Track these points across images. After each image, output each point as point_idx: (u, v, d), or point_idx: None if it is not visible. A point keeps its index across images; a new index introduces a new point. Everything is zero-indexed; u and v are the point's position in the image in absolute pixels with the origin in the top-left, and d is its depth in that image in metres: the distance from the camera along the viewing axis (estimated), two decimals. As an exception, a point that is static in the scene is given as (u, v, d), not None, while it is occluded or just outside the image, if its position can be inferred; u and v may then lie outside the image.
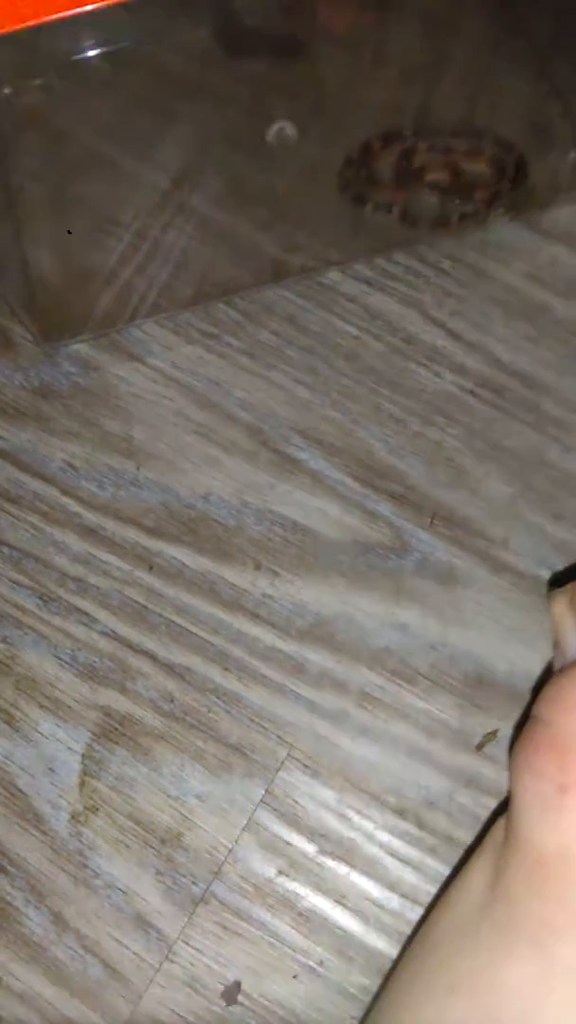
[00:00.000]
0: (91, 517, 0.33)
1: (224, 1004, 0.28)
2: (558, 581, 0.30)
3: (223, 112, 0.40)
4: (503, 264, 0.36)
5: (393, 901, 0.29)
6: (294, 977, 0.29)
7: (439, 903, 0.25)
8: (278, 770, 0.30)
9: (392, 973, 0.26)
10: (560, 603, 0.24)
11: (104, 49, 0.40)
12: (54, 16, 0.22)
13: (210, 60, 0.41)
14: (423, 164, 0.37)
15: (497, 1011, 0.21)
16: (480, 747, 0.30)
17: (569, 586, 0.24)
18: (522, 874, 0.22)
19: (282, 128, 0.38)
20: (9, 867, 0.30)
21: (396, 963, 0.27)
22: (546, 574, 0.32)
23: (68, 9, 0.22)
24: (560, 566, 0.32)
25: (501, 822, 0.24)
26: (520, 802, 0.22)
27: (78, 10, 0.22)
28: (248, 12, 0.41)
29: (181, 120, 0.39)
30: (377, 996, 0.26)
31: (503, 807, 0.25)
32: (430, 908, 0.27)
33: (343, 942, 0.29)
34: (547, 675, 0.29)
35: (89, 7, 0.23)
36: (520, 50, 0.40)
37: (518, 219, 0.37)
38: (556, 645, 0.25)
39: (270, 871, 0.30)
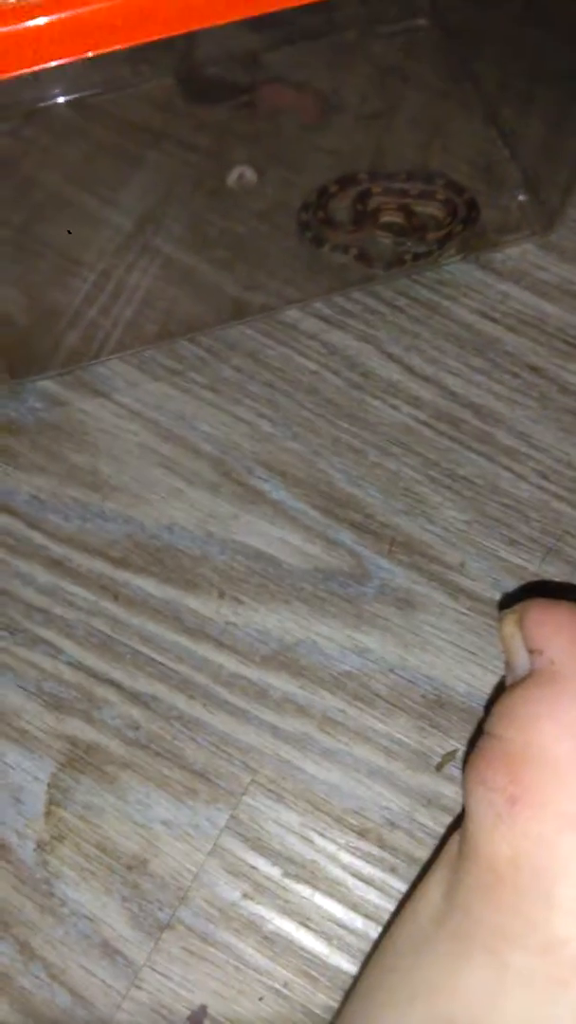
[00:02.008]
0: (57, 549, 0.34)
1: (190, 1029, 0.29)
2: (508, 603, 0.31)
3: (185, 157, 0.41)
4: (456, 301, 0.38)
5: (357, 921, 0.29)
6: (260, 999, 0.29)
7: (398, 917, 0.25)
8: (242, 795, 0.31)
9: (353, 987, 0.26)
10: (509, 623, 0.25)
11: (70, 97, 0.41)
12: (19, 72, 0.23)
13: (172, 108, 0.43)
14: (378, 206, 0.39)
15: (452, 1017, 0.21)
16: (440, 767, 0.31)
17: (518, 606, 0.25)
18: (476, 884, 0.22)
19: (242, 173, 0.40)
20: (-25, 898, 0.30)
21: (357, 977, 0.27)
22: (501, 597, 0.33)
23: (35, 64, 0.23)
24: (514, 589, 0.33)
25: (456, 836, 0.24)
26: (473, 814, 0.23)
27: (44, 66, 0.24)
28: (209, 62, 0.43)
29: (144, 165, 0.41)
30: (339, 1011, 0.27)
31: (459, 822, 0.26)
32: (390, 922, 0.28)
33: (308, 963, 0.29)
34: (499, 692, 0.30)
35: (54, 63, 0.24)
36: (469, 95, 0.42)
37: (470, 258, 0.38)
38: (507, 664, 0.25)
39: (235, 895, 0.30)
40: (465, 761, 0.28)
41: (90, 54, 0.24)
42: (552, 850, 0.21)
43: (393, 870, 0.30)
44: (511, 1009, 0.21)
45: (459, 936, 0.22)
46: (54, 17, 0.23)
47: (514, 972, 0.21)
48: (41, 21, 0.23)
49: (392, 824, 0.30)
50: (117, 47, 0.25)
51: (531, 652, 0.24)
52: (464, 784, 0.24)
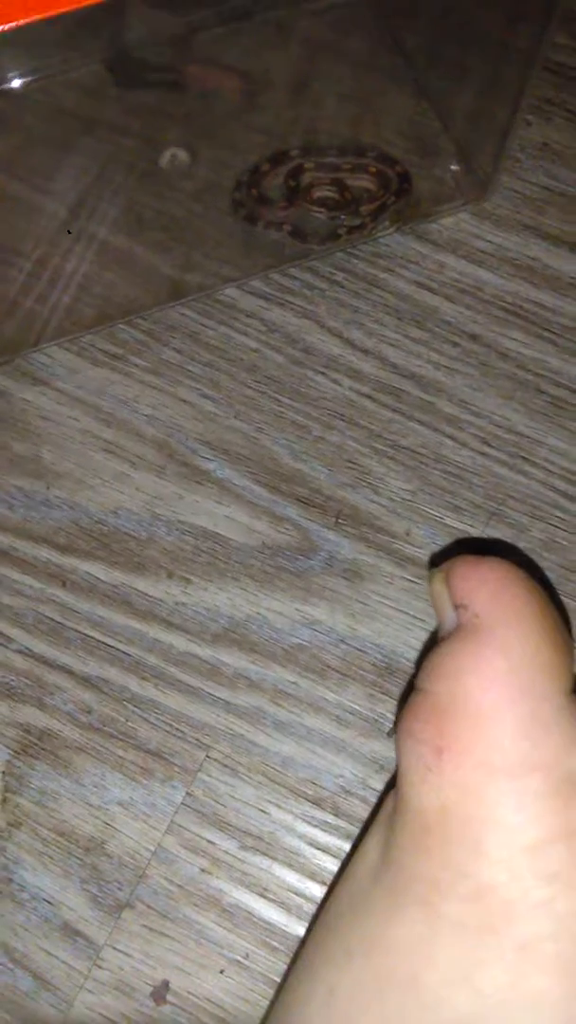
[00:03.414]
0: (2, 539, 0.34)
1: (154, 1004, 0.29)
2: (438, 561, 0.31)
3: (117, 141, 0.41)
4: (393, 273, 0.38)
5: (314, 889, 0.30)
6: (221, 972, 0.29)
7: (340, 878, 0.26)
8: (198, 772, 0.31)
9: (297, 952, 0.26)
10: (437, 581, 0.25)
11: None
12: None
13: (102, 93, 0.42)
14: (310, 182, 0.38)
15: (390, 969, 0.22)
16: (391, 733, 0.31)
17: (444, 565, 0.25)
18: (408, 837, 0.23)
19: (174, 154, 0.40)
20: None
21: (301, 943, 0.28)
22: (446, 564, 0.33)
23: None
24: (457, 555, 0.33)
25: (392, 794, 0.25)
26: (404, 768, 0.23)
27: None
28: (138, 46, 0.43)
29: (77, 151, 0.41)
30: (285, 977, 0.27)
31: (393, 784, 0.26)
32: (333, 884, 0.28)
33: (267, 933, 0.29)
34: (427, 650, 0.30)
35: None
36: (399, 68, 0.42)
37: (405, 229, 0.38)
38: (437, 620, 0.26)
39: (193, 871, 0.30)
40: (395, 718, 0.28)
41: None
42: (478, 798, 0.22)
43: (349, 837, 0.30)
44: (444, 957, 0.21)
45: (394, 890, 0.22)
46: None
47: (446, 921, 0.21)
48: None
49: (347, 792, 0.31)
50: (39, 17, 0.25)
51: (457, 608, 0.24)
52: (395, 739, 0.24)
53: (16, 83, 0.41)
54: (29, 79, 0.42)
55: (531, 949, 0.21)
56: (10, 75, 0.41)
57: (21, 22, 0.24)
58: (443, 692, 0.23)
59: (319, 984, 0.23)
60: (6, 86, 0.41)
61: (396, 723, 0.25)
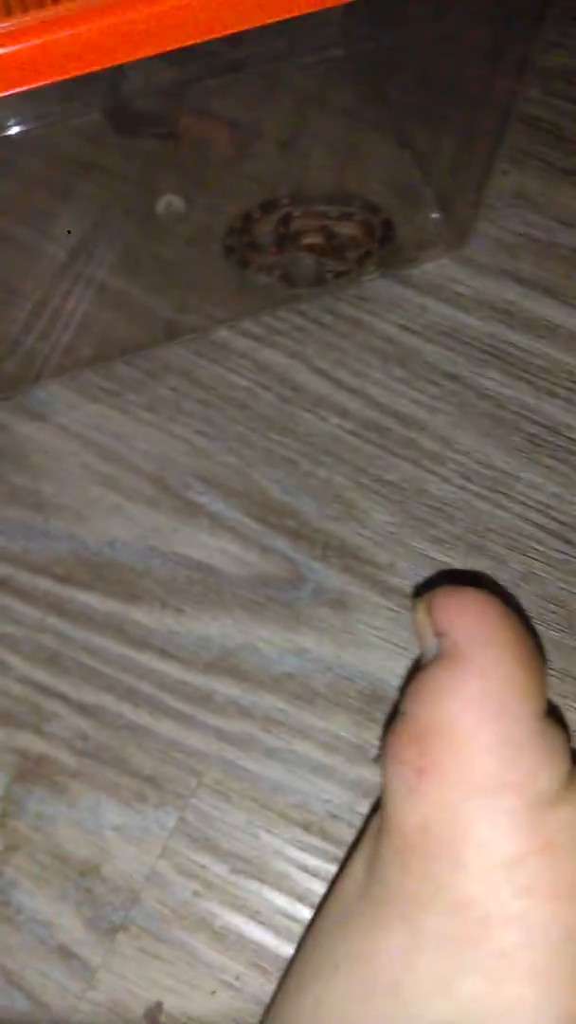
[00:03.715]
0: (2, 569, 0.35)
1: (146, 1025, 0.30)
2: (420, 592, 0.33)
3: (115, 187, 0.43)
4: (377, 316, 0.40)
5: (303, 911, 0.31)
6: (213, 993, 0.30)
7: (328, 895, 0.27)
8: (190, 797, 0.32)
9: (287, 967, 0.27)
10: (420, 610, 0.26)
11: (0, 133, 0.43)
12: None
13: (101, 140, 0.44)
14: (299, 229, 0.40)
15: (372, 981, 0.23)
16: (376, 759, 0.32)
17: (427, 595, 0.26)
18: (392, 855, 0.24)
19: (170, 201, 0.41)
20: None
21: (291, 959, 0.28)
22: (429, 595, 0.34)
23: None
24: (440, 586, 0.35)
25: (378, 815, 0.26)
26: (388, 789, 0.25)
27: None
28: (135, 96, 0.45)
29: (76, 196, 0.42)
30: (276, 992, 0.28)
31: (379, 805, 0.27)
32: (321, 904, 0.29)
33: (258, 955, 0.30)
34: (411, 676, 0.31)
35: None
36: (383, 120, 0.44)
37: (388, 274, 0.40)
38: (420, 648, 0.27)
39: (186, 894, 0.31)
40: (380, 741, 0.30)
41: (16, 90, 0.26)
42: (456, 816, 0.23)
43: (336, 860, 0.31)
44: (424, 968, 0.22)
45: (379, 905, 0.24)
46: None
47: (427, 934, 0.22)
48: None
49: (334, 816, 0.32)
50: (41, 83, 0.26)
51: (438, 635, 0.25)
52: (380, 762, 0.25)
53: (16, 130, 0.43)
54: (30, 126, 0.43)
55: (507, 958, 0.22)
56: (10, 122, 0.43)
57: (32, 86, 0.25)
58: (424, 715, 0.24)
59: (307, 996, 0.24)
60: (6, 133, 0.43)
61: (381, 747, 0.26)
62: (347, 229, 0.40)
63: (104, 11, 0.24)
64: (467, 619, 0.25)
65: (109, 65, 0.26)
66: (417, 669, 0.27)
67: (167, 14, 0.24)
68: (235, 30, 0.26)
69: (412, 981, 0.22)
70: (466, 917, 0.22)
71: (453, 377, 0.38)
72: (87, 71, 0.26)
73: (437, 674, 0.24)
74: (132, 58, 0.26)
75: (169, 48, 0.26)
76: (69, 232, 0.40)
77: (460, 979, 0.22)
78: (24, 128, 0.43)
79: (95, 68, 0.26)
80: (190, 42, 0.26)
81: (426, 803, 0.23)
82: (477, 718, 0.23)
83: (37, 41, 0.25)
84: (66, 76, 0.26)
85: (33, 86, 0.26)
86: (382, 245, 0.40)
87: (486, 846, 0.23)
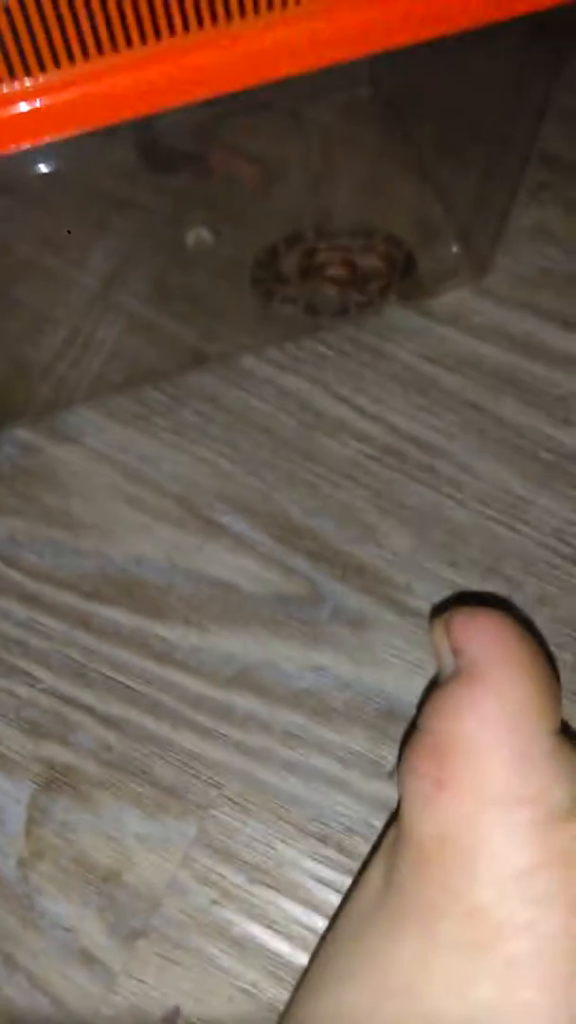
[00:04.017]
0: (32, 585, 0.37)
1: (165, 1030, 0.30)
2: (438, 612, 0.34)
3: (147, 221, 0.45)
4: (397, 345, 0.41)
5: (318, 922, 0.31)
6: (230, 999, 0.31)
7: (344, 902, 0.27)
8: (210, 808, 0.33)
9: (305, 972, 0.28)
10: (438, 629, 0.27)
11: (39, 171, 0.45)
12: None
13: (134, 176, 0.46)
14: (323, 261, 0.42)
15: (387, 986, 0.23)
16: (392, 775, 0.33)
17: (445, 614, 0.27)
18: (409, 864, 0.25)
19: (199, 233, 0.43)
20: (-40, 914, 0.32)
21: (309, 963, 0.29)
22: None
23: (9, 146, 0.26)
24: (455, 607, 0.35)
25: (394, 826, 0.27)
26: (406, 801, 0.25)
27: (16, 148, 0.27)
28: (166, 133, 0.47)
29: (109, 229, 0.44)
30: (293, 995, 0.29)
31: (395, 816, 0.28)
32: (338, 911, 0.30)
33: (274, 964, 0.31)
34: (429, 693, 0.32)
35: (27, 145, 0.27)
36: (406, 156, 0.46)
37: (409, 305, 0.42)
38: (437, 666, 0.28)
39: (205, 902, 0.32)
40: (398, 756, 0.30)
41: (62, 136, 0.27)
42: (473, 828, 0.24)
43: (351, 872, 0.32)
44: (439, 972, 0.23)
45: (395, 912, 0.24)
46: (33, 105, 0.26)
47: (442, 940, 0.23)
48: (23, 108, 0.26)
49: (350, 830, 0.33)
50: (84, 130, 0.28)
51: (456, 654, 0.26)
52: (398, 775, 0.26)
53: (52, 166, 0.45)
54: (64, 163, 0.45)
55: (517, 965, 0.23)
56: (46, 159, 0.45)
57: (70, 133, 0.27)
58: (443, 730, 0.25)
59: (324, 999, 0.24)
60: (42, 170, 0.45)
61: (398, 761, 0.27)
62: (370, 261, 0.42)
63: (141, 64, 0.25)
64: (484, 638, 0.26)
65: (144, 114, 0.28)
66: (434, 686, 0.28)
67: (201, 67, 0.26)
68: (264, 81, 0.27)
69: (426, 984, 0.23)
70: (479, 924, 0.23)
71: (472, 405, 0.39)
72: (122, 120, 0.28)
73: (455, 691, 0.25)
74: (166, 108, 0.28)
75: (202, 98, 0.28)
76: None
77: (473, 984, 0.23)
78: (59, 164, 0.45)
79: (130, 117, 0.28)
80: (220, 93, 0.28)
81: (444, 814, 0.24)
82: (494, 734, 0.24)
83: (77, 93, 0.26)
84: (110, 123, 0.28)
85: (72, 134, 0.28)
86: (404, 277, 0.41)
87: (500, 857, 0.23)
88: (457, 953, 0.23)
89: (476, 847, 0.24)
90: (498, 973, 0.23)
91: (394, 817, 0.31)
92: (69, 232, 0.43)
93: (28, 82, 0.25)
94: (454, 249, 0.43)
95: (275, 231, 0.43)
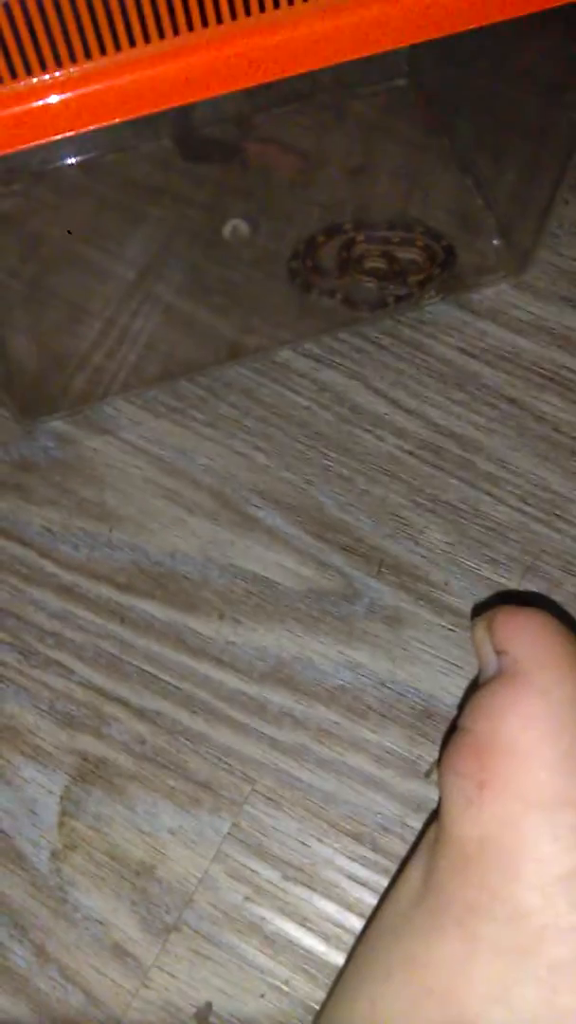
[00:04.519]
0: (67, 577, 0.36)
1: (197, 1025, 0.30)
2: (479, 611, 0.33)
3: (183, 212, 0.44)
4: (436, 339, 0.40)
5: (352, 921, 0.31)
6: (262, 996, 0.30)
7: (382, 901, 0.27)
8: (243, 804, 0.33)
9: (342, 969, 0.28)
10: (480, 629, 0.27)
11: (76, 159, 0.45)
12: (34, 143, 0.26)
13: (171, 166, 0.46)
14: (362, 254, 0.41)
15: (429, 984, 0.23)
16: (428, 774, 0.33)
17: (487, 613, 0.27)
18: (449, 864, 0.24)
19: (236, 225, 0.43)
20: (-6, 904, 0.32)
21: (346, 961, 0.29)
22: (483, 614, 0.35)
23: (47, 136, 0.26)
24: (493, 605, 0.35)
25: (434, 825, 0.26)
26: (447, 801, 0.25)
27: (59, 136, 0.26)
28: (203, 124, 0.47)
29: (146, 219, 0.44)
30: (330, 992, 0.28)
31: (435, 816, 0.28)
32: (376, 910, 0.30)
33: (307, 961, 0.31)
34: (471, 691, 0.32)
35: (71, 132, 0.27)
36: (446, 149, 0.45)
37: (449, 299, 0.41)
38: (479, 665, 0.28)
39: (238, 898, 0.32)
40: (439, 755, 0.30)
41: (94, 127, 0.27)
42: (516, 830, 0.23)
43: (386, 872, 0.32)
44: (481, 976, 0.23)
45: (434, 912, 0.24)
46: (65, 96, 0.26)
47: (483, 942, 0.23)
48: (53, 99, 0.26)
49: (384, 829, 0.32)
50: (120, 119, 0.28)
51: (498, 653, 0.26)
52: (439, 774, 0.26)
53: (89, 156, 0.45)
54: (105, 152, 0.45)
55: (561, 970, 0.22)
56: (84, 149, 0.45)
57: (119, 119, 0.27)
58: (485, 731, 0.25)
59: (362, 998, 0.24)
60: (83, 158, 0.45)
61: (439, 761, 0.26)
62: (409, 254, 0.41)
63: (180, 54, 0.25)
64: (528, 638, 0.25)
65: (185, 103, 0.27)
66: (474, 686, 0.28)
67: (237, 56, 0.25)
68: (304, 70, 0.27)
69: (467, 988, 0.23)
70: (522, 928, 0.23)
71: (511, 400, 0.39)
72: (157, 110, 0.27)
73: (498, 691, 0.25)
74: (203, 98, 0.28)
75: (236, 88, 0.28)
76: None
77: (515, 988, 0.22)
78: (96, 155, 0.45)
79: (164, 107, 0.27)
80: (260, 82, 0.28)
81: (486, 816, 0.24)
82: (538, 735, 0.24)
83: (118, 82, 0.26)
84: (141, 114, 0.27)
85: (113, 122, 0.27)
86: (443, 270, 0.41)
87: (545, 860, 0.23)
88: (499, 957, 0.23)
89: (519, 849, 0.23)
90: (541, 977, 0.22)
91: (433, 816, 0.31)
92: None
93: (65, 72, 0.25)
94: (495, 242, 0.42)
95: (313, 223, 0.42)
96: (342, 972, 0.28)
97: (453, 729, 0.27)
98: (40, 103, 0.25)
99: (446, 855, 0.24)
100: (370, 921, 0.28)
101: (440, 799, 0.26)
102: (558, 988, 0.22)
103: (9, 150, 0.26)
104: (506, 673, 0.25)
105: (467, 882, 0.24)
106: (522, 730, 0.24)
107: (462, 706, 0.32)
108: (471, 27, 0.27)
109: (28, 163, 0.44)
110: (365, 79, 0.47)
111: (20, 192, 0.45)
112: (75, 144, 0.44)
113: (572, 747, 0.24)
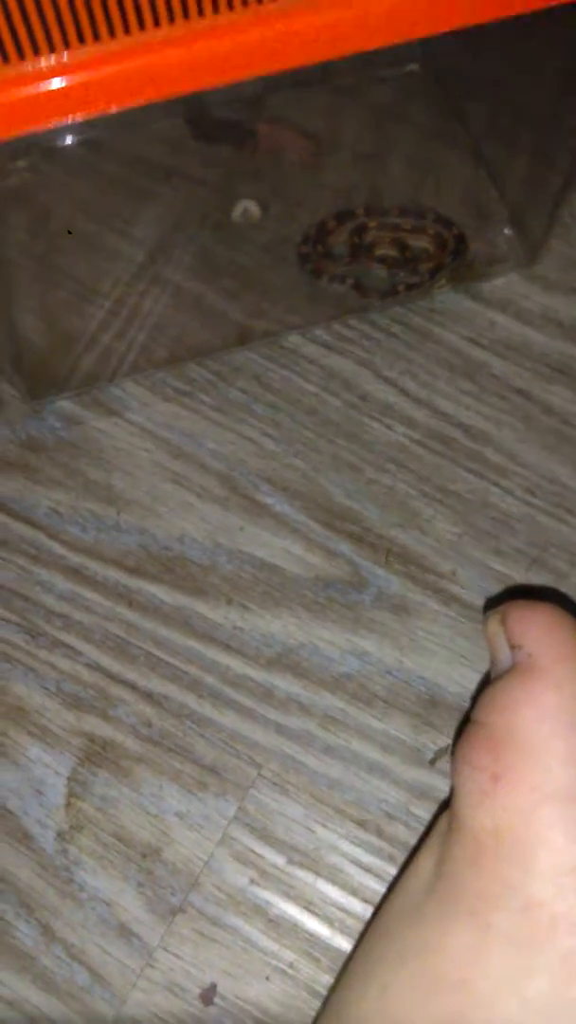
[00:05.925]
0: (75, 558, 0.36)
1: (202, 1005, 0.31)
2: (492, 605, 0.33)
3: (193, 192, 0.44)
4: (446, 328, 0.40)
5: (356, 905, 0.32)
6: (266, 979, 0.31)
7: (393, 889, 0.27)
8: (249, 788, 0.33)
9: (351, 955, 0.28)
10: (493, 622, 0.27)
11: (86, 136, 0.44)
12: (37, 127, 0.26)
13: (181, 146, 0.45)
14: (373, 240, 0.41)
15: (441, 972, 0.23)
16: (433, 762, 0.33)
17: (500, 607, 0.27)
18: (462, 854, 0.25)
19: (247, 207, 0.42)
20: (0, 883, 0.32)
21: (355, 947, 0.29)
22: (489, 604, 0.35)
23: (52, 120, 0.26)
24: (500, 596, 0.35)
25: (445, 815, 0.27)
26: (460, 792, 0.25)
27: (68, 120, 0.26)
28: (215, 104, 0.46)
29: (155, 199, 0.44)
30: (338, 978, 0.29)
31: (446, 807, 0.28)
32: (385, 897, 0.30)
33: (311, 945, 0.31)
34: (484, 686, 0.32)
35: (80, 117, 0.26)
36: (459, 136, 0.45)
37: (459, 288, 0.41)
38: (491, 659, 0.28)
39: (243, 881, 0.32)
40: (452, 747, 0.30)
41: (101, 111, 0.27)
42: (530, 821, 0.24)
43: (390, 858, 0.32)
44: (493, 965, 0.23)
45: (447, 901, 0.24)
46: (69, 79, 0.25)
47: (496, 932, 0.23)
48: (56, 84, 0.25)
49: (389, 816, 0.33)
50: (129, 105, 0.27)
51: (512, 647, 0.26)
52: (452, 766, 0.26)
53: (99, 135, 0.44)
54: (114, 131, 0.45)
55: (573, 960, 0.23)
56: (94, 128, 0.44)
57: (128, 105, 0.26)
58: (499, 724, 0.25)
59: (373, 982, 0.25)
60: (92, 136, 0.44)
61: (453, 752, 0.27)
62: (420, 242, 0.41)
63: (191, 39, 0.25)
64: (542, 632, 0.25)
65: (200, 89, 0.27)
66: (487, 679, 0.28)
67: (251, 46, 0.25)
68: (316, 61, 0.27)
69: (481, 978, 0.23)
70: (535, 918, 0.23)
71: (520, 392, 0.39)
72: (169, 96, 0.27)
73: (512, 684, 0.25)
74: (215, 85, 0.27)
75: (249, 76, 0.27)
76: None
77: (528, 978, 0.23)
78: (107, 133, 0.44)
79: (175, 94, 0.27)
80: (273, 70, 0.27)
81: (500, 807, 0.24)
82: (552, 728, 0.24)
83: (126, 66, 0.26)
84: (151, 100, 0.27)
85: (121, 108, 0.27)
86: (454, 259, 0.41)
87: (558, 851, 0.23)
88: (511, 947, 0.23)
89: (533, 841, 0.24)
90: (553, 968, 0.23)
91: (439, 804, 0.31)
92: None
93: (74, 55, 0.24)
94: (506, 232, 0.42)
95: (324, 207, 0.42)
96: (351, 957, 0.28)
97: (466, 721, 0.27)
98: (45, 87, 0.25)
99: (459, 845, 0.25)
100: (379, 908, 0.28)
101: (453, 790, 0.26)
102: (570, 978, 0.23)
103: (15, 134, 0.26)
104: (520, 667, 0.25)
105: (480, 872, 0.24)
106: (536, 724, 0.24)
107: (475, 699, 0.33)
108: (491, 19, 0.27)
109: (36, 140, 0.43)
110: (378, 64, 0.46)
111: (29, 169, 0.44)
112: (84, 123, 0.43)
113: (585, 740, 0.24)
